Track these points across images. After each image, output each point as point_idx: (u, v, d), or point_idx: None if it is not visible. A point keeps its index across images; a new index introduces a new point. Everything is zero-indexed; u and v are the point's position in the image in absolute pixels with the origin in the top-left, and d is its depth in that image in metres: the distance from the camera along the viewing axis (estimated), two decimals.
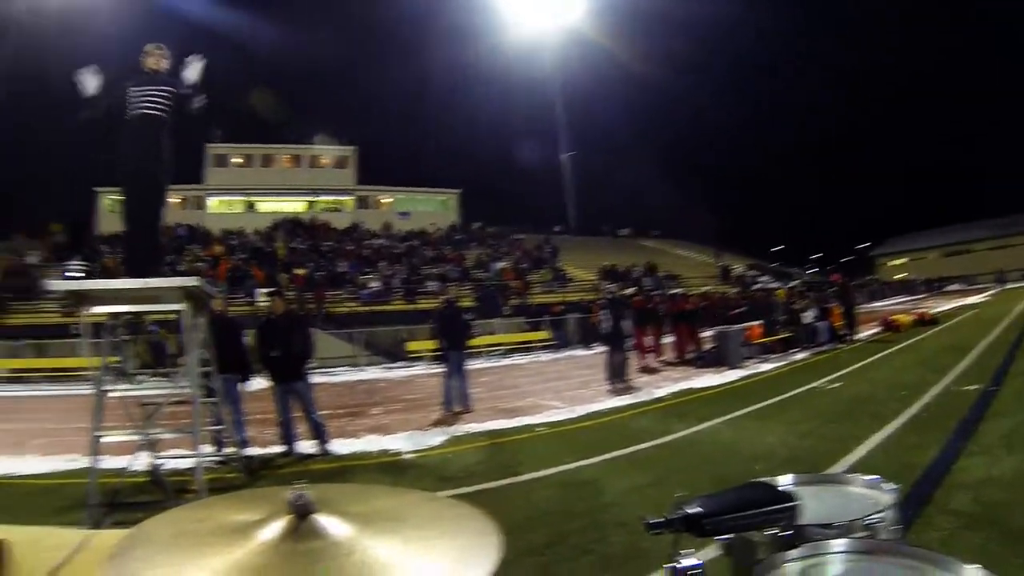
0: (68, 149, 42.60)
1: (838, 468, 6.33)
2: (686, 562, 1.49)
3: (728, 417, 9.63)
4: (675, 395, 12.42)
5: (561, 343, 27.20)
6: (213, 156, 50.35)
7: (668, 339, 20.26)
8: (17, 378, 22.45)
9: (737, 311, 21.13)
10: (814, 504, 1.73)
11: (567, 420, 10.67)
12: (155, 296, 6.46)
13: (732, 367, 15.79)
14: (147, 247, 6.94)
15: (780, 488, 1.77)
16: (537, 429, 10.11)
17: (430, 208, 54.61)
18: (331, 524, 1.24)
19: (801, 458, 7.09)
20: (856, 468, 6.18)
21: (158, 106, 6.59)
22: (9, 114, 50.30)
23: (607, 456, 7.83)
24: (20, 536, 1.85)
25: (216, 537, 1.24)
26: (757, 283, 35.26)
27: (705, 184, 53.79)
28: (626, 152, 58.74)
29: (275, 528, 1.22)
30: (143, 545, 1.27)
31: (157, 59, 6.76)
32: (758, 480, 1.92)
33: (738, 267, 42.18)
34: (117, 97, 6.61)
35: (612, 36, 54.11)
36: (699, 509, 1.62)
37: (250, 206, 51.44)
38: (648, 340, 19.82)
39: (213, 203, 50.82)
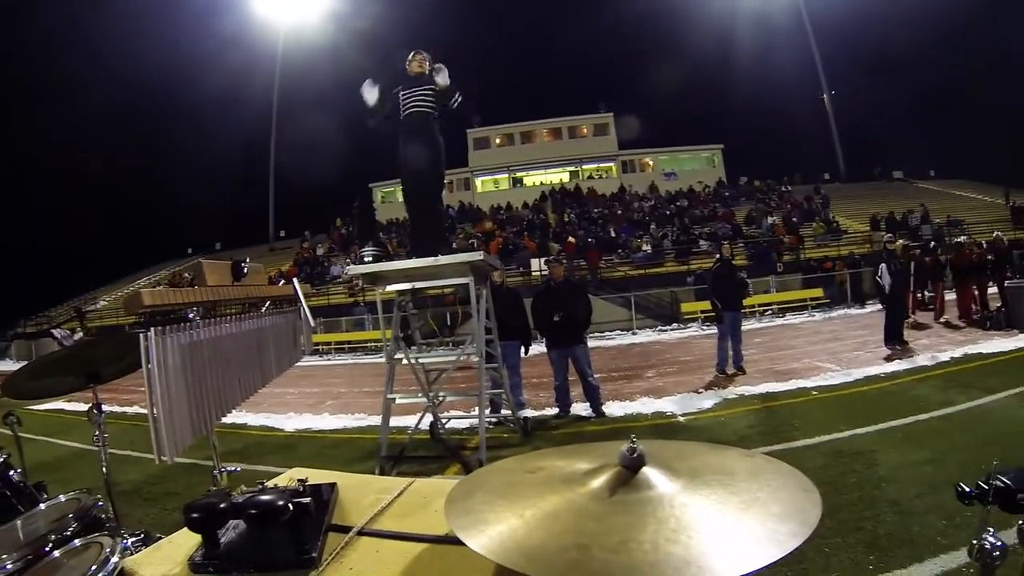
0: (344, 152, 46.29)
1: None
2: (992, 541, 1.52)
3: (1019, 390, 8.46)
4: (958, 361, 11.16)
5: (835, 301, 25.69)
6: (475, 140, 52.34)
7: (950, 296, 18.03)
8: (312, 351, 24.88)
9: None
10: None
11: (842, 384, 10.13)
12: (442, 272, 7.05)
13: None
14: (431, 228, 7.60)
15: None
16: (811, 393, 9.77)
17: (695, 166, 53.27)
18: (660, 477, 1.35)
19: None
20: None
21: (426, 103, 7.28)
22: (289, 131, 55.11)
23: (883, 426, 7.37)
24: (349, 481, 2.16)
25: (549, 484, 1.42)
26: None
27: (991, 113, 47.05)
28: (894, 84, 53.24)
29: (607, 479, 1.36)
30: (478, 490, 1.49)
31: (420, 63, 7.44)
32: None
33: None
34: (392, 101, 7.36)
35: None
36: (1011, 482, 1.60)
37: (516, 181, 52.89)
38: (928, 297, 18.43)
39: (480, 183, 52.83)
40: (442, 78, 7.21)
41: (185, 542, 1.80)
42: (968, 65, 50.45)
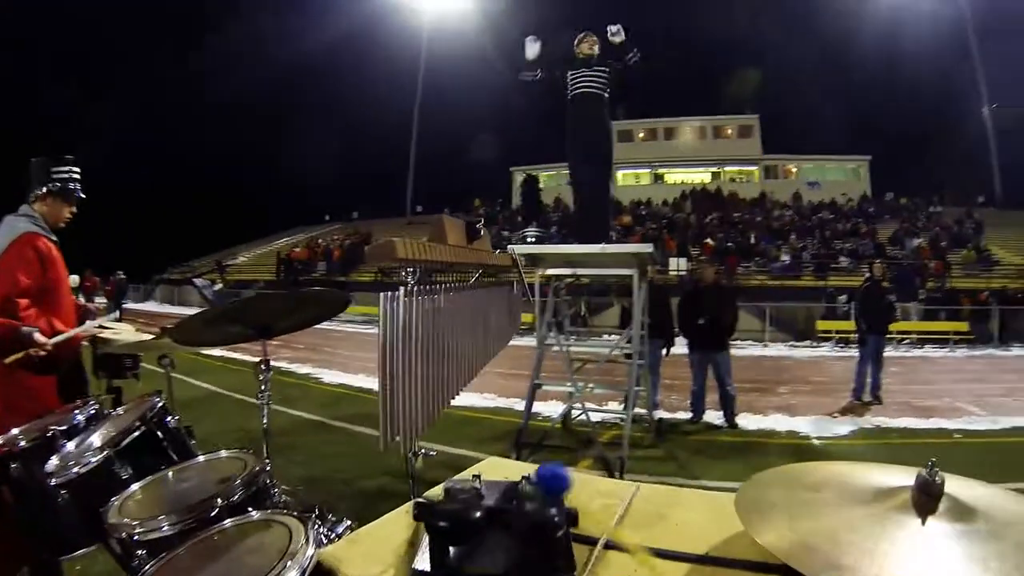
0: (481, 137, 46.76)
1: None
2: None
3: None
4: None
5: (979, 339, 24.08)
6: (618, 132, 51.56)
7: None
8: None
9: None
10: None
11: (987, 431, 9.51)
12: (605, 261, 6.96)
13: None
14: (597, 215, 7.52)
15: None
16: (954, 435, 9.28)
17: (840, 177, 51.53)
18: (955, 511, 1.24)
19: None
20: None
21: (596, 84, 7.20)
22: (434, 107, 55.89)
23: None
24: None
25: (848, 500, 1.33)
26: None
27: None
28: None
29: (898, 500, 1.27)
30: (764, 497, 1.42)
31: (590, 45, 7.37)
32: None
33: None
34: (554, 76, 7.34)
35: None
36: None
37: (657, 177, 52.56)
38: None
39: (620, 176, 52.24)
40: (618, 36, 7.14)
41: (392, 535, 1.69)
42: None
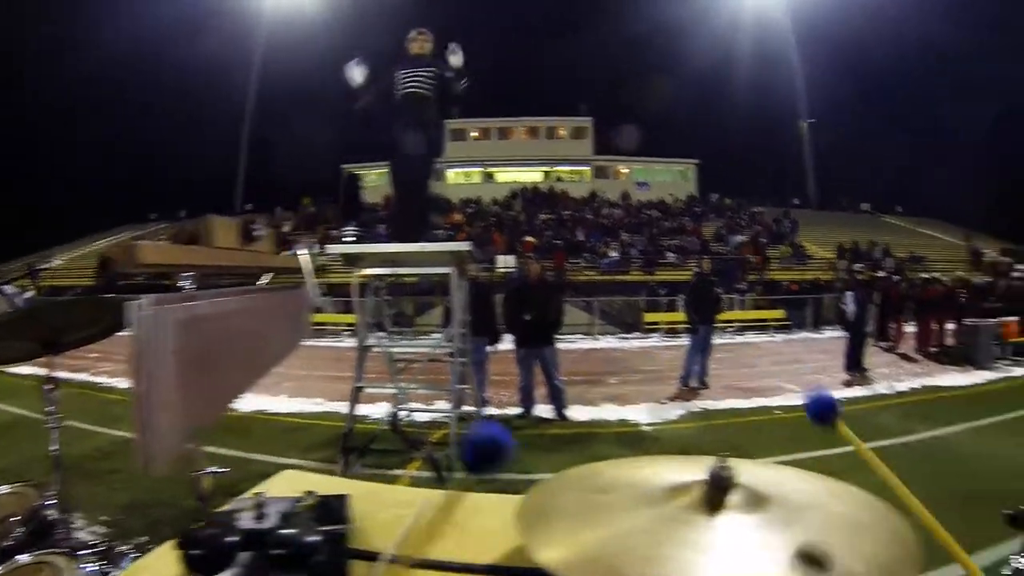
0: (318, 131, 45.86)
1: None
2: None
3: (977, 424, 8.87)
4: (916, 391, 11.60)
5: (796, 324, 25.95)
6: (451, 131, 51.58)
7: (909, 328, 18.63)
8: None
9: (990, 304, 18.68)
10: None
11: (804, 405, 10.14)
12: (425, 259, 6.87)
13: (981, 367, 14.21)
14: (418, 215, 7.41)
15: None
16: (774, 412, 9.88)
17: (668, 178, 53.49)
18: (748, 501, 1.22)
19: None
20: None
21: (424, 85, 7.10)
22: (269, 102, 54.53)
23: (845, 450, 7.31)
24: (356, 490, 1.77)
25: (635, 502, 1.28)
26: (1014, 271, 31.94)
27: (961, 157, 48.58)
28: (870, 120, 54.29)
29: (690, 497, 1.23)
30: (553, 511, 1.31)
31: (421, 43, 7.26)
32: None
33: (992, 252, 38.16)
34: (386, 82, 7.19)
35: None
36: None
37: (488, 176, 52.77)
38: (888, 328, 18.71)
39: (452, 174, 52.41)
40: (456, 59, 7.09)
41: (163, 569, 1.46)
42: (943, 107, 51.39)
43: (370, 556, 1.47)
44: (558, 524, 1.25)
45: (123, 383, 12.75)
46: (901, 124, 52.82)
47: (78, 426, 7.85)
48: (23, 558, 1.98)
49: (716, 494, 1.22)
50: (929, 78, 50.81)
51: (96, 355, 12.36)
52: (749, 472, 1.30)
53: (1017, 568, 1.47)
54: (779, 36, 54.10)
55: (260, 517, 1.35)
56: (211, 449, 7.02)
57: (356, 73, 7.06)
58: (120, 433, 8.10)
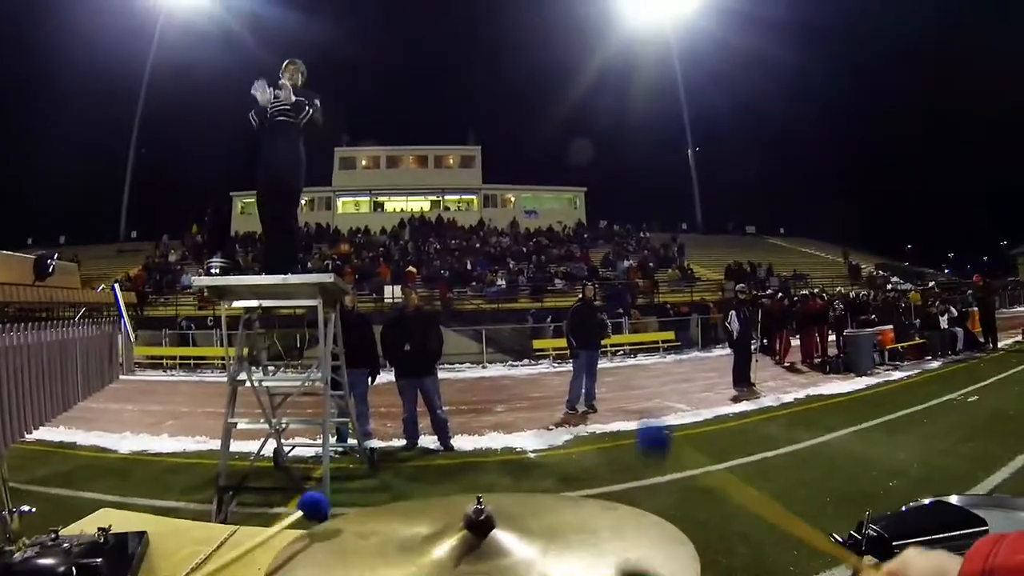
0: (206, 158, 44.85)
1: (979, 491, 5.96)
2: None
3: (858, 428, 9.30)
4: (801, 402, 12.06)
5: (685, 344, 26.54)
6: (341, 159, 51.65)
7: (794, 342, 19.55)
8: (154, 364, 24.04)
9: (866, 316, 19.98)
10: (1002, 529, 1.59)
11: (692, 424, 10.51)
12: (291, 292, 6.76)
13: (861, 374, 15.08)
14: (283, 246, 7.27)
15: (969, 510, 1.71)
16: None
17: (556, 206, 54.30)
18: (514, 541, 1.18)
19: (937, 478, 6.67)
20: (1000, 492, 5.82)
21: (290, 114, 7.01)
22: (154, 125, 53.04)
23: (732, 463, 7.73)
24: (162, 528, 1.85)
25: (384, 554, 1.23)
26: (888, 284, 33.94)
27: (834, 179, 51.37)
28: (752, 146, 56.65)
29: (451, 544, 1.18)
30: (304, 562, 1.27)
31: (292, 73, 7.22)
32: (941, 499, 1.88)
33: (868, 266, 40.29)
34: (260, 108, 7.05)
35: (733, 23, 52.29)
36: (885, 533, 1.62)
37: (377, 206, 52.43)
38: (773, 343, 19.43)
39: (341, 203, 52.20)
40: (285, 93, 6.98)
41: None
42: (818, 133, 53.99)
43: None
44: None
45: None
46: (781, 150, 55.22)
47: None
48: None
49: (475, 539, 1.18)
50: (804, 107, 53.31)
51: None
52: (511, 507, 1.29)
53: None
54: (666, 67, 55.99)
55: (34, 554, 1.37)
56: (82, 494, 6.75)
57: (262, 93, 6.95)
58: None
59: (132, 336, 4.39)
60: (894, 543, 1.56)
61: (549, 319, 26.37)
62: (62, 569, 1.26)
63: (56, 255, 3.59)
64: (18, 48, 49.19)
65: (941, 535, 1.56)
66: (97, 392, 3.82)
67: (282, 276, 6.52)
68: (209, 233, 39.13)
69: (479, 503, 1.20)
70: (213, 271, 7.06)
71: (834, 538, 1.64)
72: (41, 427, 3.20)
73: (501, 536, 1.18)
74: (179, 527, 1.95)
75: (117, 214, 52.71)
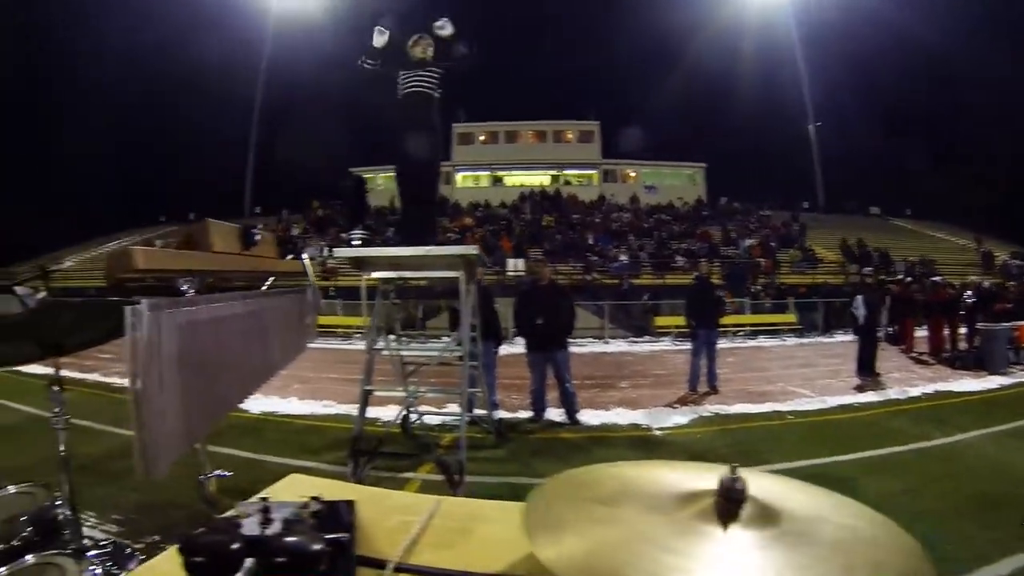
0: (329, 135, 45.81)
1: None
2: None
3: (992, 430, 8.68)
4: (930, 397, 11.42)
5: (807, 328, 25.86)
6: (459, 135, 51.93)
7: (921, 333, 18.40)
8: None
9: (1003, 306, 18.31)
10: None
11: (816, 411, 10.24)
12: (431, 263, 6.83)
13: (995, 372, 13.87)
14: (424, 218, 7.38)
15: None
16: (787, 417, 9.83)
17: (677, 182, 53.43)
18: (760, 514, 1.19)
19: None
20: None
21: (427, 84, 7.11)
22: (278, 105, 54.53)
23: (860, 455, 7.46)
24: (363, 495, 1.82)
25: (636, 508, 1.24)
26: None
27: (969, 160, 48.35)
28: (877, 122, 53.99)
29: (700, 507, 1.20)
30: (555, 513, 1.28)
31: (423, 48, 7.22)
32: None
33: (1002, 254, 37.70)
34: (388, 73, 7.21)
35: None
36: None
37: (496, 180, 52.63)
38: (902, 332, 18.60)
39: (460, 178, 52.56)
40: (445, 28, 7.12)
41: (168, 572, 1.44)
42: (953, 111, 51.30)
43: (377, 563, 1.47)
44: (565, 529, 1.21)
45: None
46: (909, 127, 52.66)
47: (90, 426, 7.86)
48: (30, 559, 1.94)
49: (727, 506, 1.18)
50: (936, 80, 50.62)
51: (108, 356, 12.32)
52: (757, 484, 1.25)
53: None
54: (786, 39, 54.05)
55: (264, 523, 1.32)
56: (223, 450, 7.02)
57: (379, 38, 7.14)
58: (132, 433, 8.01)
59: (320, 302, 4.54)
60: None
61: (648, 296, 26.37)
62: (316, 547, 1.26)
63: (260, 225, 3.73)
64: (148, 34, 51.21)
65: None
66: (293, 360, 3.94)
67: (427, 248, 6.61)
68: (349, 206, 40.11)
69: (734, 472, 1.20)
70: (355, 243, 7.18)
71: None
72: (249, 396, 3.30)
73: (750, 508, 1.18)
74: (380, 495, 1.93)
75: (241, 191, 54.49)
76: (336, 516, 1.46)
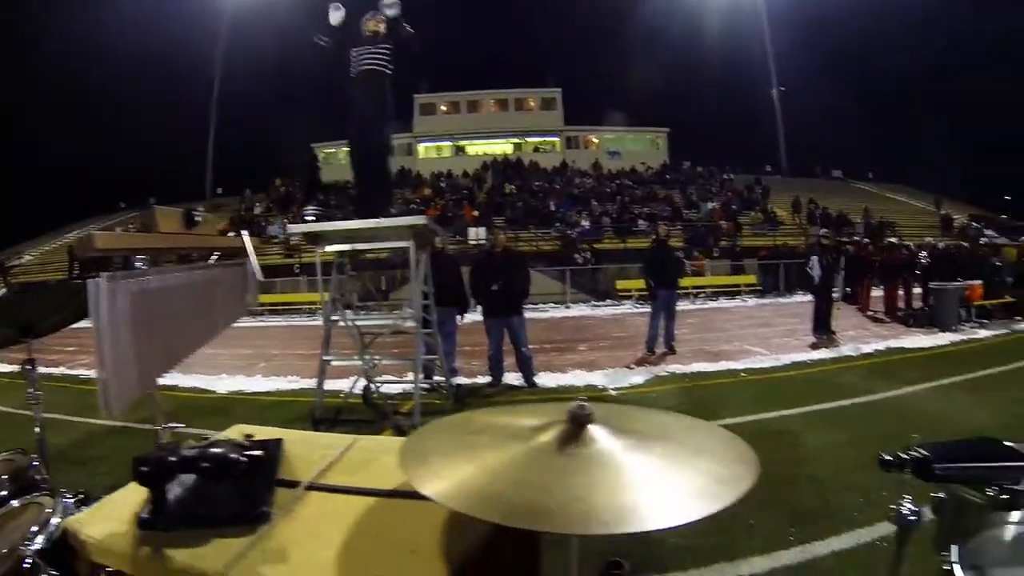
0: (289, 113, 45.43)
1: None
2: (909, 507, 1.65)
3: (937, 383, 9.00)
4: (882, 353, 11.74)
5: (767, 288, 26.31)
6: (421, 105, 51.86)
7: (877, 293, 18.77)
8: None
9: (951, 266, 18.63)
10: None
11: (770, 368, 10.52)
12: (384, 235, 7.02)
13: (945, 329, 14.37)
14: (377, 190, 7.57)
15: (1014, 447, 1.81)
16: (741, 374, 10.09)
17: (639, 147, 53.52)
18: (604, 435, 1.43)
19: (1017, 439, 6.42)
20: None
21: (379, 61, 7.24)
22: (237, 83, 53.86)
23: (807, 409, 7.72)
24: (294, 437, 2.21)
25: (499, 439, 1.50)
26: (983, 237, 32.37)
27: (928, 122, 48.67)
28: (839, 87, 54.28)
29: (556, 434, 1.44)
30: (431, 444, 1.56)
31: (376, 23, 7.35)
32: (991, 438, 1.95)
33: (961, 217, 38.34)
34: (340, 50, 7.35)
35: None
36: (929, 454, 1.72)
37: (458, 150, 52.67)
38: (857, 291, 18.89)
39: (423, 149, 52.56)
40: (393, 7, 7.18)
41: (131, 499, 1.79)
42: (914, 75, 51.73)
43: (292, 484, 1.81)
44: (434, 459, 1.46)
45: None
46: (871, 91, 53.10)
47: (59, 417, 7.89)
48: (15, 503, 2.21)
49: (575, 430, 1.44)
50: (897, 45, 50.98)
51: (73, 349, 12.39)
52: (609, 413, 1.54)
53: (899, 512, 1.65)
54: (749, 3, 54.05)
55: (201, 448, 1.67)
56: (191, 430, 7.15)
57: (334, 15, 7.28)
58: (100, 422, 8.06)
59: (260, 275, 4.79)
60: (935, 465, 1.68)
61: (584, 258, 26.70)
62: (233, 456, 1.56)
63: (201, 208, 4.03)
64: (93, 12, 50.26)
65: (980, 463, 1.71)
66: (231, 325, 4.27)
67: (376, 220, 6.81)
68: (304, 183, 39.94)
69: (580, 402, 1.47)
70: (308, 219, 7.36)
71: (882, 456, 1.79)
72: (192, 354, 3.68)
73: (596, 430, 1.44)
74: (308, 437, 2.33)
75: (202, 173, 53.92)
76: (262, 447, 1.81)
